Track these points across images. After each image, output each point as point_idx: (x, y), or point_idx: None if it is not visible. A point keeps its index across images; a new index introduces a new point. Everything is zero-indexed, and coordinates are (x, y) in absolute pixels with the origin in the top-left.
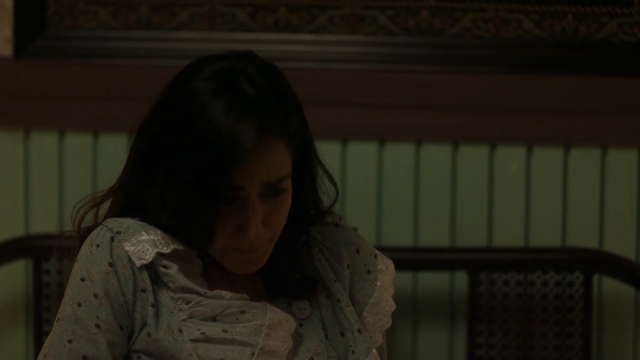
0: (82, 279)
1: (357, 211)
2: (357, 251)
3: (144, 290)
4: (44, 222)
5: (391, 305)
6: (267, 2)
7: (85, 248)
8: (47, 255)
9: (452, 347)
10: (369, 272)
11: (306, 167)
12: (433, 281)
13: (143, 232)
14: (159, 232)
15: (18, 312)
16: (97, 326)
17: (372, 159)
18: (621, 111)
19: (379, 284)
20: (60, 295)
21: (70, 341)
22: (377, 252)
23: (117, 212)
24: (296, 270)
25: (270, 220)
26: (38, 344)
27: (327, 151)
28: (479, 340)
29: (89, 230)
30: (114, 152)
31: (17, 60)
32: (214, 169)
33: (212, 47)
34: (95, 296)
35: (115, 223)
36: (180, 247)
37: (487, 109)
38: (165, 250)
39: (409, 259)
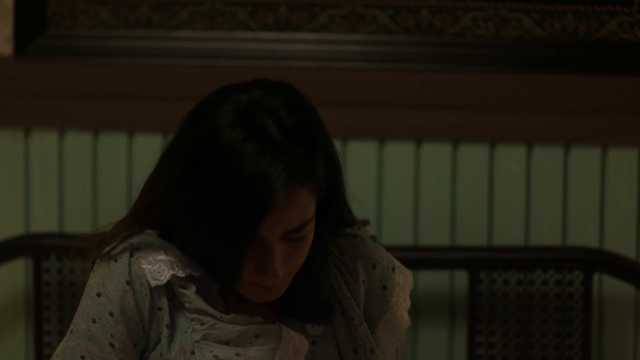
0: (98, 294)
1: (357, 210)
2: (374, 266)
3: (160, 309)
4: (44, 221)
5: (406, 322)
6: (268, 1)
7: (102, 260)
8: (47, 254)
9: (452, 346)
10: (384, 287)
11: (332, 199)
12: (433, 280)
13: (162, 251)
14: (177, 252)
15: (18, 310)
16: (111, 345)
17: (372, 158)
18: (621, 110)
19: (394, 299)
20: (60, 293)
21: (83, 357)
22: (396, 263)
23: (136, 230)
24: (313, 294)
25: (290, 259)
26: (38, 342)
27: None
28: (479, 339)
29: (105, 237)
30: (114, 151)
31: (17, 60)
32: (241, 215)
33: (213, 45)
34: (111, 314)
35: (136, 237)
36: (197, 274)
37: (488, 108)
38: (181, 274)
39: (409, 258)
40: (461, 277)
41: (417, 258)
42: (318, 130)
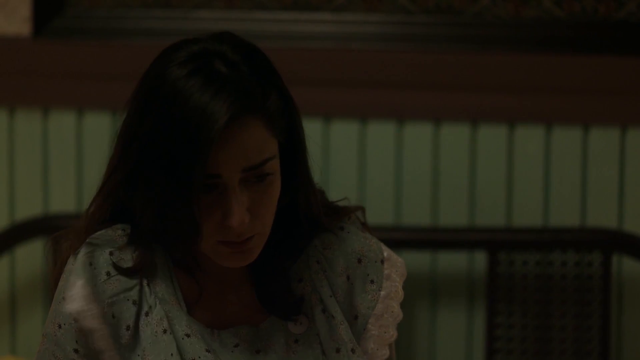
0: (64, 299)
1: (376, 191)
2: (359, 260)
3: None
4: (63, 202)
5: (397, 316)
6: None
7: (69, 264)
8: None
9: (471, 327)
10: (372, 281)
11: (295, 153)
12: (452, 261)
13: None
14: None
15: (36, 291)
16: (76, 351)
17: (391, 139)
18: None
19: (383, 293)
20: None
21: None
22: (386, 254)
23: (104, 217)
24: (288, 291)
25: (256, 208)
26: None
27: (346, 131)
28: (498, 320)
29: (77, 236)
30: None
31: (35, 40)
32: (188, 150)
33: (232, 26)
34: (76, 320)
35: (91, 257)
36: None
37: (507, 89)
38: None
39: (428, 239)
40: (480, 258)
41: (435, 239)
42: (267, 66)
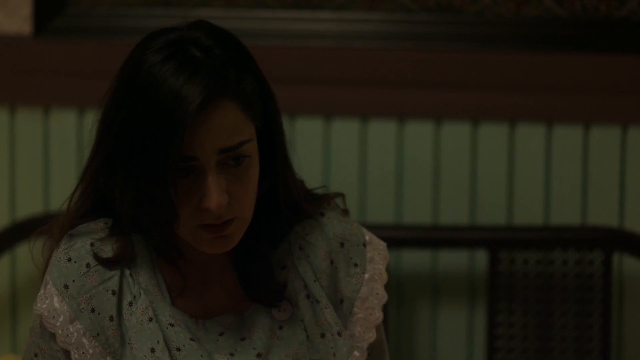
0: (37, 297)
1: (377, 190)
2: (342, 244)
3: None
4: (63, 200)
5: (382, 298)
6: None
7: (52, 257)
8: None
9: (472, 326)
10: (355, 265)
11: (273, 139)
12: (453, 260)
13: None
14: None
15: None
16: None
17: (392, 137)
18: None
19: (367, 276)
20: None
21: (36, 355)
22: (368, 237)
23: (86, 207)
24: (270, 278)
25: (234, 191)
26: None
27: (347, 129)
28: (499, 319)
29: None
30: None
31: (36, 39)
32: (163, 133)
33: (232, 25)
34: (41, 323)
35: (71, 250)
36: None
37: (507, 87)
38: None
39: (429, 238)
40: (481, 257)
41: (436, 238)
42: (241, 51)
